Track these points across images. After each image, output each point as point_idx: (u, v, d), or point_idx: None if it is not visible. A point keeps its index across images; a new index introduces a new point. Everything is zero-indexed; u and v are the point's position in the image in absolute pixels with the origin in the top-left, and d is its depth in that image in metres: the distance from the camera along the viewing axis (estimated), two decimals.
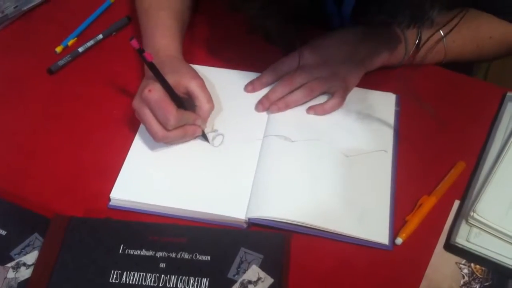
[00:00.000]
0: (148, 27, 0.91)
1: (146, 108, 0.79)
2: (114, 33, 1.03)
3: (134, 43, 0.74)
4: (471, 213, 0.76)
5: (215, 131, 0.87)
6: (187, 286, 0.70)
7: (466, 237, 0.75)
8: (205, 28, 1.04)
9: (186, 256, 0.72)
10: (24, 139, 0.88)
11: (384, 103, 0.92)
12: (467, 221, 0.76)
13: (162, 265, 0.71)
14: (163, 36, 0.89)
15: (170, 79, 0.79)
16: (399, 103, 0.92)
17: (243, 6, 0.83)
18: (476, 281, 0.74)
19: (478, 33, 0.93)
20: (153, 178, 0.82)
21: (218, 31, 1.03)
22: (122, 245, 0.73)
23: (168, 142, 0.84)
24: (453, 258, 0.76)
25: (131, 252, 0.73)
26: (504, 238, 0.75)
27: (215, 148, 0.86)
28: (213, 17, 1.05)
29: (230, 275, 0.71)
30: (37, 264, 0.72)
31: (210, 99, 0.83)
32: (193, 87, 0.82)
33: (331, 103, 0.89)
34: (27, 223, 0.76)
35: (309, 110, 0.90)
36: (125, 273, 0.71)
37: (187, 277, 0.71)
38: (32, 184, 0.83)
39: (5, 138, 0.88)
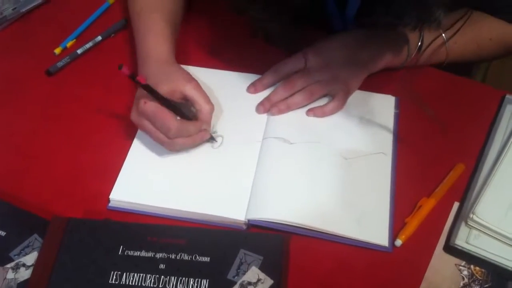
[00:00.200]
0: (140, 30, 0.90)
1: (145, 120, 0.80)
2: (112, 34, 1.03)
3: (125, 70, 0.74)
4: (471, 215, 0.76)
5: (214, 132, 0.87)
6: (187, 287, 0.70)
7: (466, 239, 0.75)
8: (205, 30, 1.04)
9: (186, 257, 0.72)
10: (23, 141, 0.88)
11: (384, 106, 0.92)
12: (466, 223, 0.76)
13: (162, 266, 0.71)
14: (155, 39, 0.88)
15: (165, 88, 0.79)
16: (398, 106, 0.92)
17: (245, 9, 0.83)
18: (476, 283, 0.74)
19: (478, 34, 0.93)
20: (153, 179, 0.82)
21: (219, 32, 1.03)
22: (121, 246, 0.73)
23: (178, 149, 0.84)
24: (453, 260, 0.76)
25: (130, 253, 0.72)
26: (503, 240, 0.75)
27: (214, 149, 0.86)
28: (214, 18, 1.05)
29: (229, 276, 0.71)
30: (36, 265, 0.72)
31: (208, 100, 0.83)
32: (189, 91, 0.81)
33: (331, 105, 0.89)
34: (26, 224, 0.76)
35: (309, 112, 0.90)
36: (124, 274, 0.71)
37: (186, 278, 0.70)
38: (31, 185, 0.82)
39: (4, 139, 0.88)
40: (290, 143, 0.86)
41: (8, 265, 0.72)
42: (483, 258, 0.74)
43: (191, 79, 0.83)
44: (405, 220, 0.78)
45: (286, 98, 0.90)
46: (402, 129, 0.89)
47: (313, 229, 0.77)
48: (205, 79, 0.85)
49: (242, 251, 0.73)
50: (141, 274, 0.71)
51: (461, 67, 0.98)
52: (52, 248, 0.73)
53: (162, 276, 0.71)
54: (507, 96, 0.92)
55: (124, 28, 1.03)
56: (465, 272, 0.75)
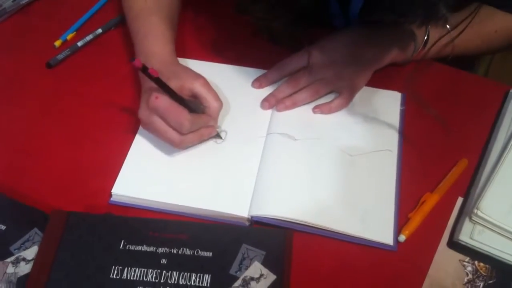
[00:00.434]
0: (139, 33, 0.89)
1: (156, 117, 0.78)
2: (113, 27, 1.02)
3: (137, 63, 0.72)
4: (475, 211, 0.75)
5: (218, 127, 0.86)
6: (189, 282, 0.69)
7: (470, 235, 0.75)
8: (207, 26, 1.03)
9: (188, 252, 0.72)
10: (24, 135, 0.87)
11: (389, 102, 0.92)
12: (470, 218, 0.76)
13: (164, 261, 0.71)
14: (156, 42, 0.87)
15: (173, 85, 0.78)
16: (404, 102, 0.92)
17: (249, 9, 0.83)
18: (480, 279, 0.73)
19: (484, 27, 0.92)
20: (155, 174, 0.81)
21: (221, 29, 1.02)
22: (122, 241, 0.72)
23: (185, 147, 0.83)
24: (457, 256, 0.75)
25: (132, 247, 0.72)
26: (508, 236, 0.74)
27: (217, 145, 0.85)
28: (216, 15, 1.04)
29: (232, 272, 0.70)
30: (36, 259, 0.71)
31: (217, 97, 0.82)
32: (198, 87, 0.80)
33: (337, 102, 0.89)
34: (26, 218, 0.75)
35: (315, 109, 0.90)
36: (126, 269, 0.70)
37: (188, 273, 0.70)
38: (32, 180, 0.82)
39: (5, 133, 0.87)
40: (294, 140, 0.85)
41: (8, 259, 0.72)
42: (487, 254, 0.74)
43: (199, 76, 0.82)
44: (409, 216, 0.78)
45: (291, 94, 0.90)
46: (407, 125, 0.89)
47: (316, 226, 0.76)
48: (208, 73, 0.84)
49: (244, 246, 0.72)
50: (143, 269, 0.70)
51: (464, 61, 0.98)
52: (52, 242, 0.72)
53: (164, 271, 0.70)
54: (511, 91, 0.92)
55: (124, 21, 1.00)
56: (469, 268, 0.74)
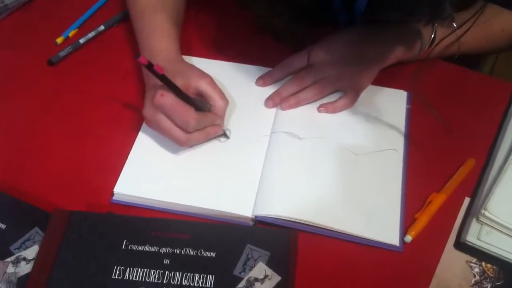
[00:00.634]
0: (144, 30, 0.89)
1: (161, 114, 0.77)
2: (116, 24, 1.02)
3: (143, 59, 0.71)
4: (482, 211, 0.74)
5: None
6: (192, 283, 0.68)
7: (477, 235, 0.74)
8: (210, 23, 1.02)
9: (191, 252, 0.71)
10: (25, 132, 0.86)
11: (395, 101, 0.91)
12: (477, 219, 0.75)
13: (166, 261, 0.70)
14: (161, 39, 0.87)
15: (179, 83, 0.77)
16: (410, 101, 0.91)
17: (251, 5, 0.82)
18: (488, 280, 0.73)
19: (490, 26, 0.92)
20: (158, 173, 0.81)
21: (226, 26, 1.02)
22: (125, 241, 0.71)
23: (191, 145, 0.82)
24: (464, 257, 0.75)
25: (134, 247, 0.71)
26: None
27: (221, 143, 0.84)
28: (221, 12, 1.03)
29: (236, 272, 0.69)
30: (37, 259, 0.70)
31: (223, 96, 0.81)
32: (204, 86, 0.80)
33: (342, 101, 0.88)
34: (27, 217, 0.75)
35: (320, 107, 0.89)
36: (128, 269, 0.69)
37: (192, 274, 0.69)
38: (33, 178, 0.81)
39: (6, 131, 0.87)
40: (299, 139, 0.84)
41: (8, 259, 0.71)
42: (495, 255, 0.73)
43: (205, 74, 0.82)
44: (415, 216, 0.77)
45: (296, 93, 0.89)
46: (413, 124, 0.88)
47: (321, 226, 0.75)
48: (211, 71, 0.83)
49: (248, 246, 0.71)
50: (145, 269, 0.69)
51: (469, 60, 0.97)
52: (53, 241, 0.71)
53: (167, 272, 0.69)
54: None
55: (127, 18, 1.00)
56: (476, 269, 0.73)
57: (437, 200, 0.78)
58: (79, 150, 0.84)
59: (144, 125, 0.85)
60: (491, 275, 0.73)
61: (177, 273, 0.69)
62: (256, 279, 0.69)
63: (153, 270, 0.69)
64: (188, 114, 0.76)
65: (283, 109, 0.88)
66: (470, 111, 0.90)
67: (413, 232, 0.75)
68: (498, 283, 0.72)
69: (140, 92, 0.89)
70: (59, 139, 0.86)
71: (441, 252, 0.75)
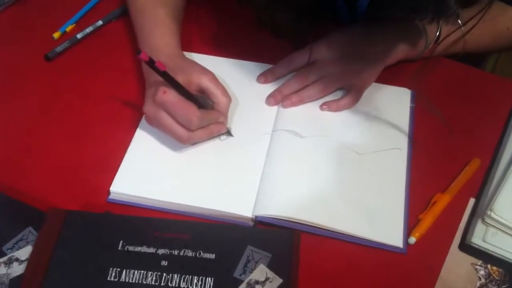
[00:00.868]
0: (145, 26, 0.88)
1: (163, 112, 0.76)
2: (114, 19, 1.01)
3: (144, 56, 0.70)
4: (488, 212, 0.73)
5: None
6: (191, 285, 0.67)
7: (482, 237, 0.73)
8: (212, 19, 1.02)
9: (190, 253, 0.69)
10: (21, 130, 0.85)
11: (399, 99, 0.90)
12: (483, 220, 0.74)
13: (164, 263, 0.68)
14: (162, 35, 0.86)
15: (180, 79, 0.76)
16: (414, 99, 0.90)
17: (252, 1, 0.82)
18: (493, 283, 0.71)
19: (495, 24, 0.91)
20: (156, 171, 0.79)
21: (226, 21, 1.01)
22: (121, 241, 0.70)
23: (193, 143, 0.81)
24: (469, 259, 0.73)
25: (131, 248, 0.69)
26: None
27: (221, 142, 0.83)
28: (221, 7, 1.03)
29: (236, 275, 0.68)
30: (31, 260, 0.69)
31: (225, 92, 0.80)
32: (206, 83, 0.79)
33: (345, 100, 0.87)
34: (20, 216, 0.73)
35: (323, 106, 0.88)
36: (124, 271, 0.68)
37: (190, 276, 0.68)
38: (29, 177, 0.80)
39: (1, 128, 0.85)
40: (301, 137, 0.83)
41: (1, 260, 0.69)
42: (501, 257, 0.72)
43: (207, 71, 0.81)
44: (419, 217, 0.76)
45: (298, 90, 0.88)
46: (417, 122, 0.87)
47: (323, 227, 0.74)
48: (211, 67, 0.82)
49: (249, 247, 0.70)
50: (142, 271, 0.68)
51: (473, 58, 0.96)
52: (48, 242, 0.70)
53: (164, 274, 0.68)
54: None
55: (126, 13, 0.99)
56: (482, 272, 0.72)
57: (442, 201, 0.77)
58: (77, 148, 0.83)
59: (142, 122, 0.84)
60: (497, 278, 0.72)
61: (175, 275, 0.68)
62: (257, 282, 0.67)
63: (150, 272, 0.68)
64: (190, 111, 0.75)
65: (284, 107, 0.87)
66: (476, 110, 0.89)
67: (417, 234, 0.74)
68: (504, 286, 0.71)
69: (139, 89, 0.88)
70: (55, 136, 0.84)
71: (445, 254, 0.74)
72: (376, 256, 0.73)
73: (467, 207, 0.78)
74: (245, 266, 0.68)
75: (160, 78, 0.74)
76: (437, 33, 0.88)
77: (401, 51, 0.89)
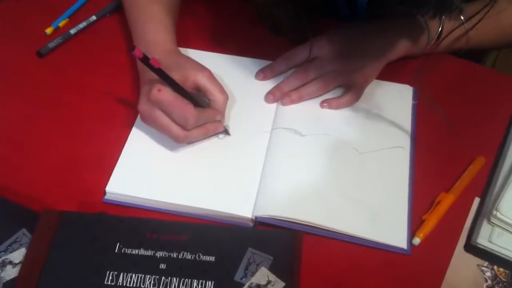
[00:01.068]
0: (139, 21, 0.87)
1: (158, 111, 0.75)
2: (108, 14, 0.99)
3: (138, 52, 0.69)
4: (494, 212, 0.73)
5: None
6: None
7: (488, 238, 0.72)
8: (209, 13, 1.00)
9: (189, 256, 0.68)
10: (13, 128, 0.84)
11: (401, 96, 0.89)
12: (489, 220, 0.73)
13: (163, 266, 0.67)
14: (157, 30, 0.85)
15: (176, 77, 0.75)
16: (416, 96, 0.89)
17: None
18: (500, 285, 0.71)
19: (499, 20, 0.90)
20: (153, 171, 0.78)
21: (223, 16, 1.00)
22: (118, 244, 0.69)
23: (190, 142, 0.80)
24: (475, 260, 0.73)
25: (128, 251, 0.68)
26: None
27: (219, 140, 0.82)
28: (219, 1, 1.01)
29: (237, 278, 0.66)
30: (24, 263, 0.67)
31: (222, 90, 0.79)
32: (202, 80, 0.77)
33: (347, 97, 0.86)
34: (14, 218, 0.72)
35: (323, 103, 0.87)
36: (121, 274, 0.66)
37: (189, 280, 0.66)
38: (22, 176, 0.78)
39: None
40: (301, 135, 0.82)
41: None
42: (507, 258, 0.71)
43: (203, 68, 0.79)
44: (423, 217, 0.75)
45: (298, 87, 0.87)
46: (419, 120, 0.86)
47: (325, 228, 0.73)
48: (207, 64, 0.81)
49: (250, 250, 0.68)
50: (140, 275, 0.66)
51: (474, 54, 0.95)
52: (42, 244, 0.68)
53: (163, 277, 0.66)
54: None
55: (121, 8, 0.98)
56: (488, 274, 0.71)
57: (446, 201, 0.76)
58: (71, 147, 0.82)
59: (138, 121, 0.83)
60: (504, 279, 0.71)
61: (174, 278, 0.66)
62: (258, 285, 0.66)
63: (148, 276, 0.66)
64: (187, 110, 0.74)
65: (284, 104, 0.86)
66: (479, 107, 0.89)
67: (421, 234, 0.73)
68: None
69: (134, 86, 0.87)
70: (49, 135, 0.83)
71: (450, 255, 0.73)
72: (380, 258, 0.73)
73: (472, 207, 0.77)
74: (246, 269, 0.67)
75: (155, 76, 0.73)
76: (439, 29, 0.87)
77: (402, 47, 0.88)
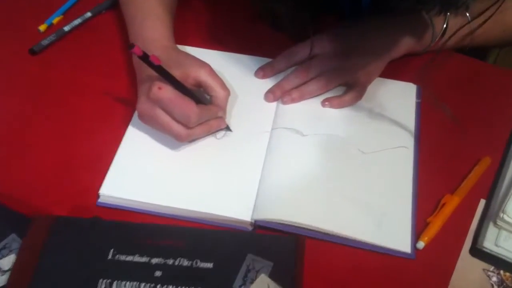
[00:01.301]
0: (137, 17, 0.86)
1: (159, 109, 0.73)
2: (104, 11, 0.98)
3: (137, 50, 0.67)
4: (500, 214, 0.72)
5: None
6: None
7: (495, 241, 0.71)
8: (207, 10, 1.00)
9: (185, 262, 0.66)
10: (5, 127, 0.83)
11: (404, 95, 0.88)
12: (495, 223, 0.72)
13: (158, 273, 0.65)
14: (155, 27, 0.84)
15: (176, 73, 0.74)
16: (420, 95, 0.87)
17: None
18: None
19: (506, 17, 0.89)
20: (148, 173, 0.77)
21: (222, 12, 0.99)
22: (112, 250, 0.67)
23: (192, 140, 0.79)
24: (480, 264, 0.71)
25: (122, 257, 0.66)
26: None
27: (217, 141, 0.80)
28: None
29: (235, 286, 0.64)
30: (14, 270, 0.66)
31: (224, 86, 0.78)
32: (204, 76, 0.76)
33: (348, 96, 0.85)
34: (3, 222, 0.70)
35: (324, 102, 0.85)
36: (115, 282, 0.64)
37: None
38: (14, 177, 0.77)
39: None
40: (302, 135, 0.81)
41: None
42: None
43: (204, 64, 0.78)
44: (428, 220, 0.74)
45: (299, 86, 0.85)
46: (423, 119, 0.85)
47: (327, 232, 0.72)
48: (207, 61, 0.80)
49: (249, 256, 0.66)
50: (134, 283, 0.64)
51: (476, 51, 0.95)
52: (33, 250, 0.67)
53: (158, 285, 0.64)
54: None
55: (116, 4, 0.97)
56: (494, 279, 0.70)
57: (451, 203, 0.75)
58: (64, 147, 0.80)
59: (133, 120, 0.82)
60: (510, 285, 0.70)
61: (170, 286, 0.64)
62: None
63: (143, 284, 0.64)
64: (189, 108, 0.73)
65: (284, 103, 0.85)
66: (485, 106, 0.88)
67: (426, 238, 0.72)
68: None
69: (131, 84, 0.85)
70: (41, 135, 0.82)
71: (456, 259, 0.72)
72: (384, 262, 0.71)
73: (477, 209, 0.76)
74: (245, 276, 0.65)
75: (153, 73, 0.72)
76: (444, 26, 0.86)
77: (406, 44, 0.87)
